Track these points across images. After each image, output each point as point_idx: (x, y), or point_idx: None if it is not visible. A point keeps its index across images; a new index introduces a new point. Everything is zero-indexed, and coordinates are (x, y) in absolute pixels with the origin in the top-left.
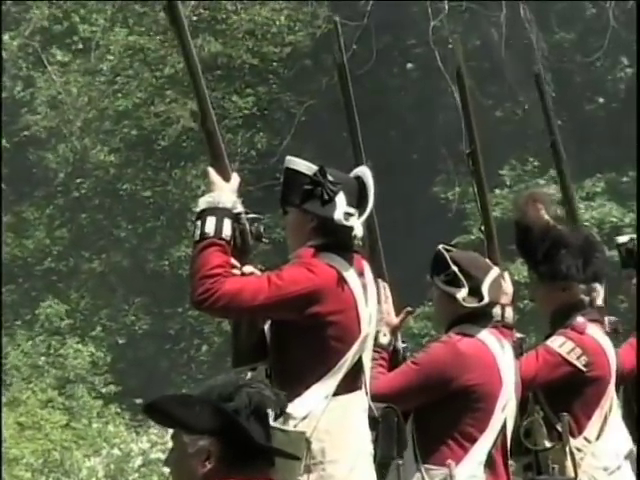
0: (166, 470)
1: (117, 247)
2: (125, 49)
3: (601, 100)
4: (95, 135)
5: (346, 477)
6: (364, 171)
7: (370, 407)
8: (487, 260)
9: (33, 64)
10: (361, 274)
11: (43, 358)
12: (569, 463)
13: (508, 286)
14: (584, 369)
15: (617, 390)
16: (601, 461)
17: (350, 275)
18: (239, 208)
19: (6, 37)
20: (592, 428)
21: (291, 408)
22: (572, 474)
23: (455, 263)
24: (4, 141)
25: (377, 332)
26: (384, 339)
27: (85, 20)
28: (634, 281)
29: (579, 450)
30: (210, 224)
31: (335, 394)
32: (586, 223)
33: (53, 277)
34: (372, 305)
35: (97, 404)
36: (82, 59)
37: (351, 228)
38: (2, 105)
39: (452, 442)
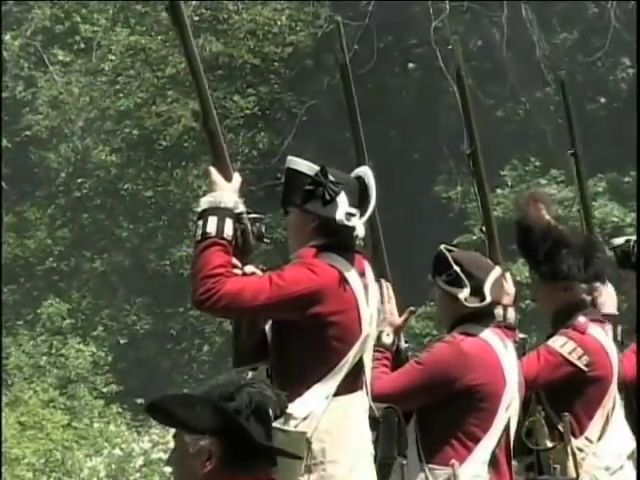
0: (167, 470)
1: (118, 247)
2: (126, 49)
3: (603, 100)
4: (96, 135)
5: (346, 477)
6: (365, 171)
7: (371, 407)
8: (489, 260)
9: (35, 64)
10: (362, 274)
11: (45, 358)
12: (571, 463)
13: (510, 287)
14: (585, 369)
15: (619, 390)
16: (603, 461)
17: (351, 275)
18: (240, 208)
19: (8, 37)
20: (594, 428)
21: (292, 408)
22: (574, 474)
23: (457, 263)
24: (5, 141)
25: (380, 332)
26: (387, 339)
27: (86, 20)
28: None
29: (581, 450)
30: (212, 224)
31: (336, 394)
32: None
33: (54, 277)
34: (373, 305)
35: (98, 404)
36: (83, 59)
37: (353, 228)
38: (2, 105)
39: (456, 442)
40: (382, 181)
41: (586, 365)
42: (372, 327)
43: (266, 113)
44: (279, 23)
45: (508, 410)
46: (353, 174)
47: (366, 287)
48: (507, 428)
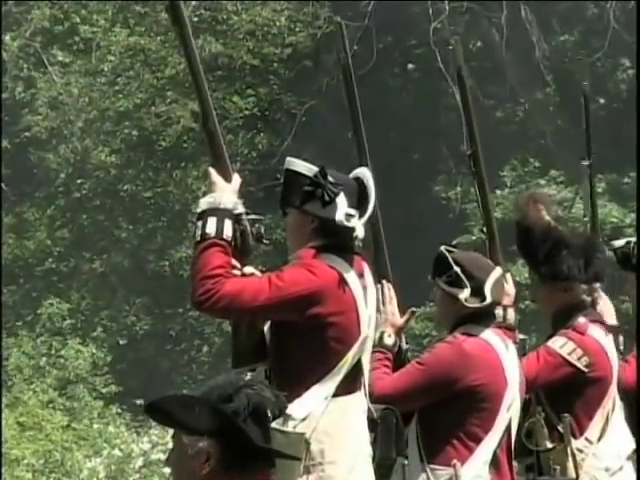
0: (167, 471)
1: (118, 248)
2: (126, 50)
3: (602, 101)
4: (96, 136)
5: (345, 478)
6: (364, 172)
7: (369, 409)
8: (489, 261)
9: (34, 65)
10: (361, 275)
11: (44, 359)
12: (570, 464)
13: (510, 287)
14: (585, 370)
15: (621, 399)
16: (603, 462)
17: (350, 276)
18: (240, 209)
19: (7, 38)
20: (593, 429)
21: (290, 409)
22: (574, 475)
23: (457, 264)
24: (5, 142)
25: (382, 333)
26: (389, 340)
27: (86, 21)
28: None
29: (580, 451)
30: (211, 225)
31: (334, 395)
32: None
33: (54, 278)
34: (372, 307)
35: (98, 405)
36: (83, 60)
37: (352, 229)
38: (2, 105)
39: (457, 442)
40: (381, 182)
41: (586, 366)
42: (371, 329)
43: (265, 114)
44: (278, 24)
45: (509, 410)
46: (352, 175)
47: (365, 288)
48: (508, 428)
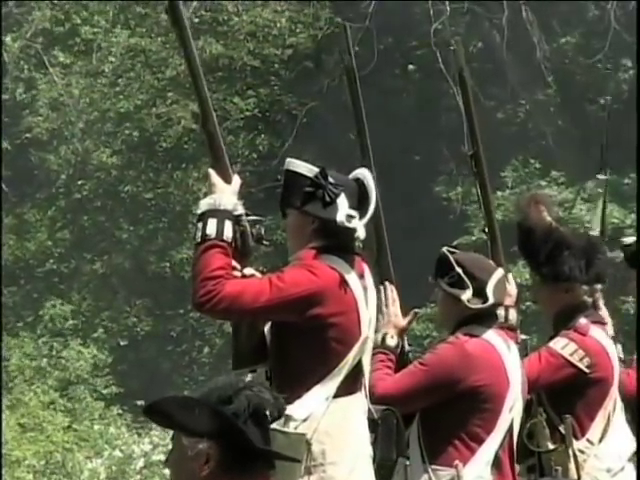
0: (168, 472)
1: (119, 249)
2: (127, 51)
3: (602, 102)
4: (97, 137)
5: (346, 479)
6: (364, 173)
7: (369, 409)
8: (491, 261)
9: (35, 66)
10: (361, 276)
11: (45, 360)
12: (572, 465)
13: (512, 288)
14: (587, 371)
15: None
16: (604, 463)
17: (351, 277)
18: (240, 210)
19: (8, 39)
20: (595, 430)
21: (291, 410)
22: (575, 476)
23: (459, 265)
24: (6, 143)
25: (385, 334)
26: (391, 341)
27: (87, 22)
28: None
29: (582, 452)
30: (211, 226)
31: (335, 396)
32: (587, 225)
33: (55, 279)
34: (372, 308)
35: (99, 406)
36: (84, 61)
37: (353, 230)
38: (2, 106)
39: (459, 443)
40: (382, 182)
41: (587, 367)
42: (371, 329)
43: (266, 115)
44: (279, 25)
45: (511, 411)
46: (351, 176)
47: (365, 289)
48: (510, 429)
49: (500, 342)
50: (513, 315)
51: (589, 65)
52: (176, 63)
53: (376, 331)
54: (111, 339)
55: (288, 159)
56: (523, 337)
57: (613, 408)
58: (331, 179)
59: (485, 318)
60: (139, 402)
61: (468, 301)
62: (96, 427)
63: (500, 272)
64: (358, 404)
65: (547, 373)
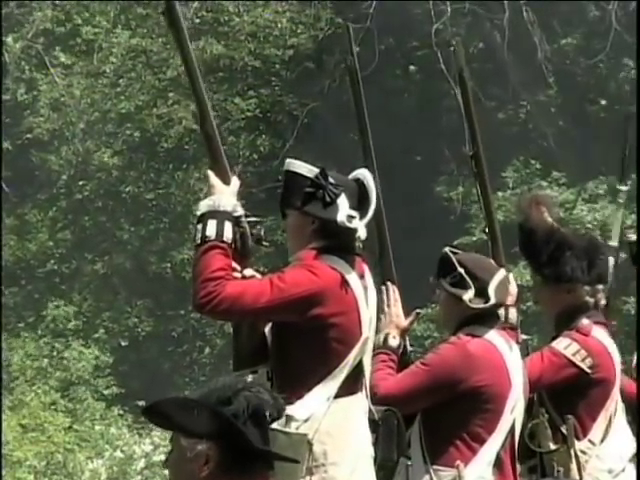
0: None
1: (120, 249)
2: (128, 51)
3: (603, 102)
4: (98, 137)
5: (347, 479)
6: (364, 173)
7: (370, 410)
8: (492, 262)
9: (36, 66)
10: (362, 276)
11: (46, 360)
12: (574, 466)
13: (512, 287)
14: (589, 371)
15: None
16: (606, 463)
17: (352, 277)
18: (239, 211)
19: (9, 39)
20: (597, 430)
21: (293, 410)
22: (577, 477)
23: (461, 265)
24: (7, 143)
25: (387, 334)
26: (393, 341)
27: (88, 22)
28: None
29: (584, 452)
30: (211, 227)
31: (336, 396)
32: (588, 225)
33: (56, 279)
34: (372, 308)
35: (100, 406)
36: (85, 61)
37: (354, 230)
38: (2, 107)
39: (461, 443)
40: (383, 183)
41: (590, 367)
42: (371, 330)
43: (267, 115)
44: (280, 25)
45: (513, 412)
46: (351, 176)
47: (366, 289)
48: (512, 430)
49: (502, 342)
50: (513, 314)
51: (590, 66)
52: (177, 64)
53: (378, 331)
54: (112, 339)
55: (288, 160)
56: (524, 337)
57: (614, 409)
58: (331, 179)
59: (487, 318)
60: (140, 402)
61: (470, 301)
62: (97, 428)
63: (502, 272)
64: (359, 404)
65: (549, 373)
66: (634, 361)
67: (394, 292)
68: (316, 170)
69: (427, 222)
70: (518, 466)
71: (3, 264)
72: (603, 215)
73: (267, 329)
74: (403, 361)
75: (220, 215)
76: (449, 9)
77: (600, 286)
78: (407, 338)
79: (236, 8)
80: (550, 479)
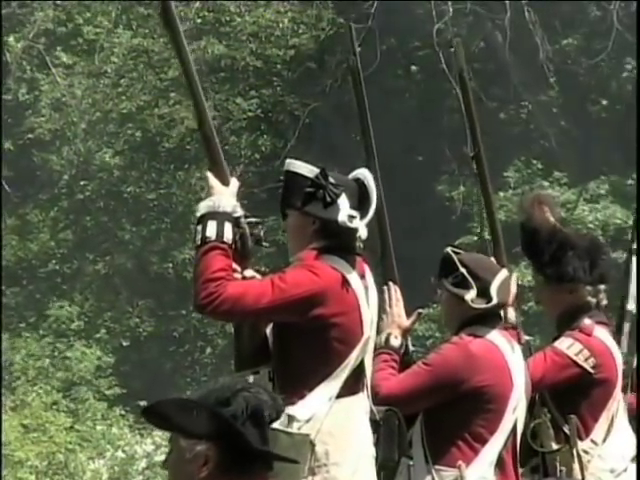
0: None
1: (121, 249)
2: (129, 51)
3: (605, 102)
4: (99, 137)
5: (349, 479)
6: (364, 173)
7: (371, 410)
8: (494, 262)
9: (37, 66)
10: (363, 276)
11: (48, 360)
12: (576, 465)
13: (512, 287)
14: (592, 371)
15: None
16: (608, 463)
17: (353, 277)
18: (239, 212)
19: (11, 39)
20: (599, 430)
21: (294, 410)
22: (579, 476)
23: (463, 265)
24: (8, 143)
25: (389, 334)
26: (395, 341)
27: (89, 22)
28: None
29: (586, 452)
30: (211, 228)
31: (338, 396)
32: (590, 225)
33: (57, 279)
34: (374, 308)
35: (101, 406)
36: (86, 61)
37: (354, 230)
38: (2, 107)
39: (463, 443)
40: (384, 182)
41: (593, 367)
42: (373, 330)
43: (269, 115)
44: (281, 25)
45: (515, 412)
46: (351, 175)
47: (367, 289)
48: (514, 430)
49: (504, 342)
50: (511, 314)
51: (592, 66)
52: (179, 64)
53: (379, 331)
54: (113, 340)
55: (288, 160)
56: (526, 338)
57: (616, 409)
58: (331, 179)
59: (489, 318)
60: (142, 403)
61: (472, 301)
62: (99, 428)
63: (504, 272)
64: (360, 404)
65: (552, 372)
66: (634, 362)
67: (396, 292)
68: (316, 170)
69: (428, 222)
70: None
71: (5, 264)
72: (604, 215)
73: (269, 329)
74: (405, 361)
75: (220, 216)
76: (450, 9)
77: (602, 286)
78: (409, 338)
79: (237, 8)
80: (553, 479)
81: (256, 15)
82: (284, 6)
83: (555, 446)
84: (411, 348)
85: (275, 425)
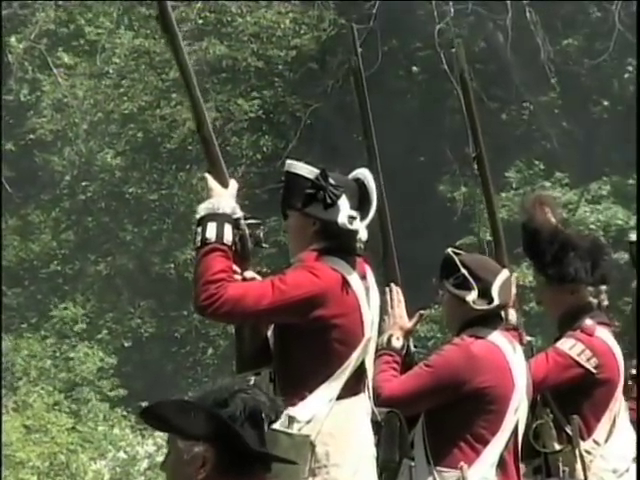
0: None
1: (123, 250)
2: (131, 52)
3: (606, 103)
4: (101, 138)
5: None
6: (364, 173)
7: (373, 411)
8: (496, 263)
9: (39, 67)
10: (363, 277)
11: (50, 361)
12: (579, 466)
13: (512, 288)
14: (594, 371)
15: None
16: (610, 463)
17: (353, 278)
18: (238, 213)
19: (12, 40)
20: (601, 430)
21: (295, 411)
22: (582, 477)
23: (465, 266)
24: (10, 144)
25: (390, 335)
26: (397, 342)
27: (91, 23)
28: None
29: (588, 452)
30: (211, 230)
31: (338, 398)
32: (592, 226)
33: (59, 280)
34: (374, 309)
35: (103, 407)
36: (88, 62)
37: (355, 231)
38: (1, 107)
39: (464, 444)
40: (386, 183)
41: (595, 367)
42: (374, 331)
43: (270, 116)
44: (283, 26)
45: (517, 413)
46: (351, 176)
47: (367, 290)
48: (515, 430)
49: (505, 343)
50: (512, 315)
51: (593, 66)
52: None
53: (381, 332)
54: (115, 340)
55: (288, 161)
56: (528, 338)
57: (618, 409)
58: (332, 180)
59: (490, 319)
60: (143, 403)
61: (473, 302)
62: (100, 428)
63: (505, 273)
64: (361, 405)
65: (555, 373)
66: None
67: (398, 293)
68: (316, 171)
69: (430, 222)
70: (522, 466)
71: (6, 265)
72: (606, 216)
73: (270, 331)
74: (407, 362)
75: (220, 218)
76: (452, 10)
77: (603, 287)
78: (411, 339)
79: (239, 9)
80: (555, 479)
81: (257, 16)
82: (285, 7)
83: (557, 446)
84: (413, 349)
85: (275, 426)
